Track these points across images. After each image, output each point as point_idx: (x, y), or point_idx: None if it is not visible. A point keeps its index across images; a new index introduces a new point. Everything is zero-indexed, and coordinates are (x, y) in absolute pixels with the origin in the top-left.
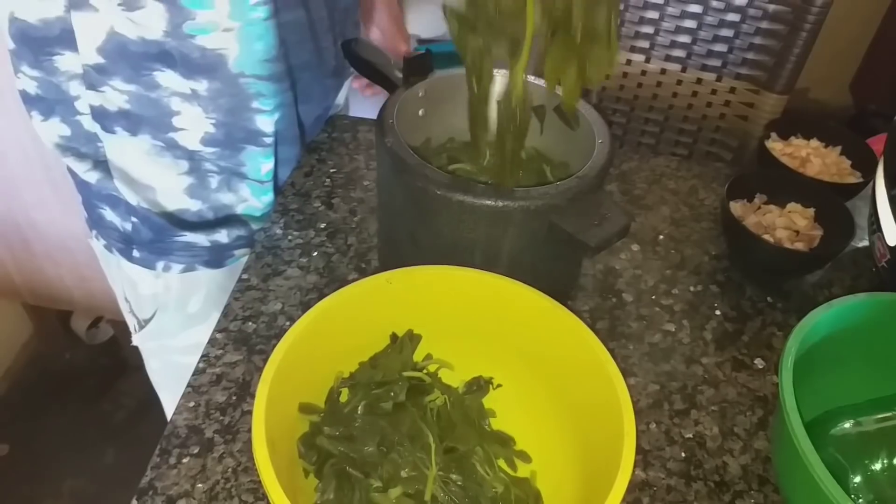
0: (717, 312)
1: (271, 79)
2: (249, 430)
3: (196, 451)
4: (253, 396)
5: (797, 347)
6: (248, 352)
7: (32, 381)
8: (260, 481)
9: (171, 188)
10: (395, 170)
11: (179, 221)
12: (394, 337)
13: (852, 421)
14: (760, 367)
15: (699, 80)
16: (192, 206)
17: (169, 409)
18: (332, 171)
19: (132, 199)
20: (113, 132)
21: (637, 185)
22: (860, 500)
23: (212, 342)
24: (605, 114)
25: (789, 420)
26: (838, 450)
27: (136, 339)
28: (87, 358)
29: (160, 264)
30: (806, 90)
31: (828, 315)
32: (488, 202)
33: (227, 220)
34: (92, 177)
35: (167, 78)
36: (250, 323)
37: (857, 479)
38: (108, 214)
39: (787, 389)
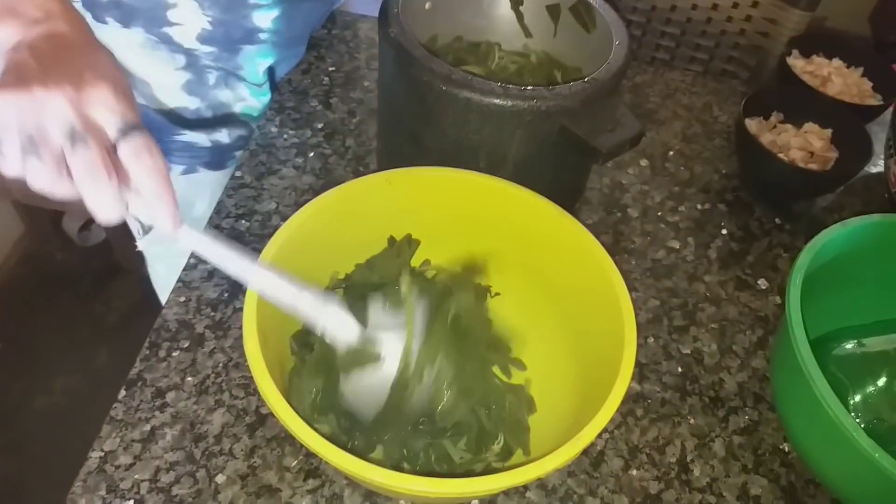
0: (724, 231)
1: None
2: (241, 327)
3: (186, 345)
4: (245, 293)
5: (808, 263)
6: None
7: (24, 281)
8: (251, 377)
9: (168, 84)
10: (398, 63)
11: (178, 119)
12: (391, 240)
13: (856, 341)
14: (763, 287)
15: None
16: (191, 103)
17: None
18: (331, 69)
19: None
20: (104, 22)
21: (650, 99)
22: (859, 419)
23: None
24: (629, 34)
25: (794, 335)
26: (840, 369)
27: (141, 244)
28: (79, 260)
29: None
30: (823, 19)
31: (841, 233)
32: (497, 101)
33: (226, 118)
34: None
35: None
36: (243, 221)
37: (857, 398)
38: None
39: (794, 305)
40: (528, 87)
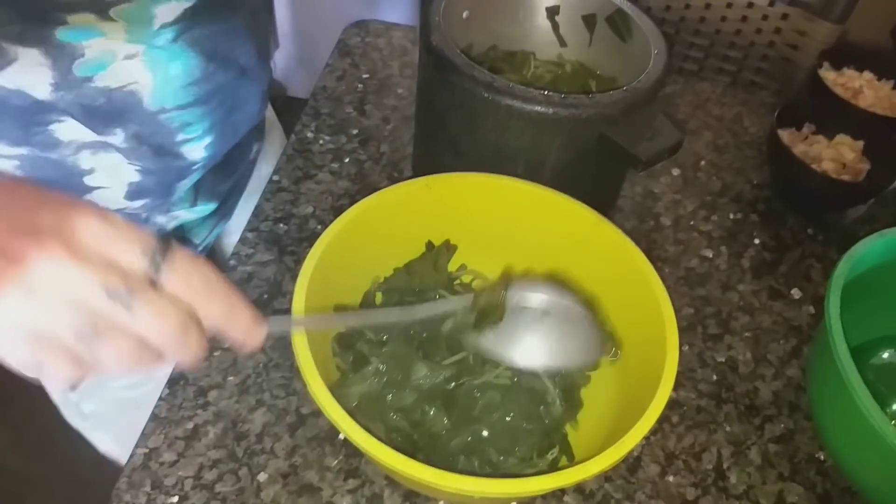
0: (756, 241)
1: (198, 102)
2: None
3: (227, 345)
4: (284, 296)
5: (847, 272)
6: (280, 252)
7: None
8: (291, 378)
9: None
10: (439, 70)
11: None
12: (429, 245)
13: (893, 350)
14: (797, 297)
15: (750, 4)
16: None
17: (110, 451)
18: (364, 76)
19: None
20: None
21: (680, 110)
22: None
23: (242, 241)
24: (666, 43)
25: (834, 342)
26: (878, 378)
27: (73, 396)
28: None
29: None
30: (846, 33)
31: (879, 244)
32: (538, 108)
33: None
34: None
35: (68, 129)
36: (281, 224)
37: (895, 407)
38: None
39: (834, 314)
40: (570, 96)
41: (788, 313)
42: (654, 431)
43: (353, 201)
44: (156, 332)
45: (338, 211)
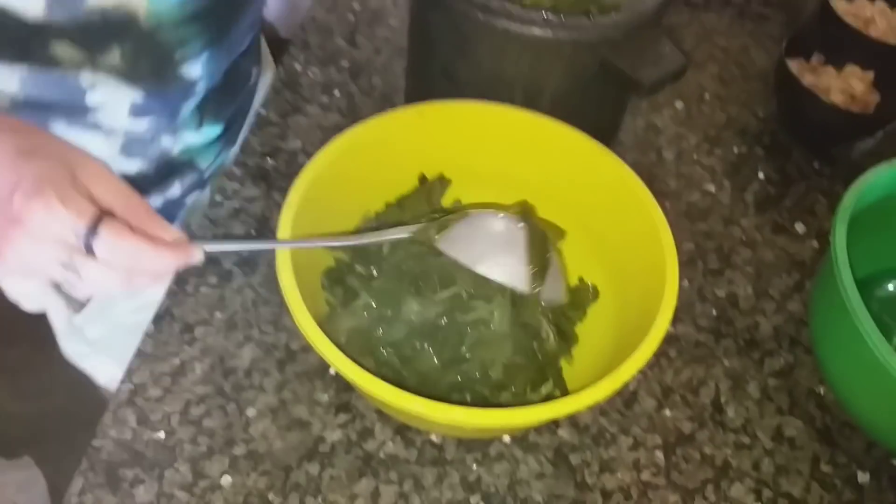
0: (760, 175)
1: (193, 18)
2: (269, 265)
3: (214, 281)
4: (273, 232)
5: (855, 203)
6: (268, 187)
7: None
8: (280, 313)
9: (104, 154)
10: None
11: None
12: (422, 178)
13: None
14: (801, 231)
15: None
16: (131, 166)
17: (104, 376)
18: (355, 6)
19: None
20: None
21: (685, 41)
22: None
23: (228, 175)
24: None
25: (839, 272)
26: (883, 310)
27: (78, 320)
28: None
29: None
30: None
31: (888, 174)
32: (537, 31)
33: (173, 170)
34: None
35: (67, 49)
36: (269, 159)
37: None
38: None
39: (840, 242)
40: (570, 17)
41: (792, 248)
42: (650, 366)
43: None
44: (104, 286)
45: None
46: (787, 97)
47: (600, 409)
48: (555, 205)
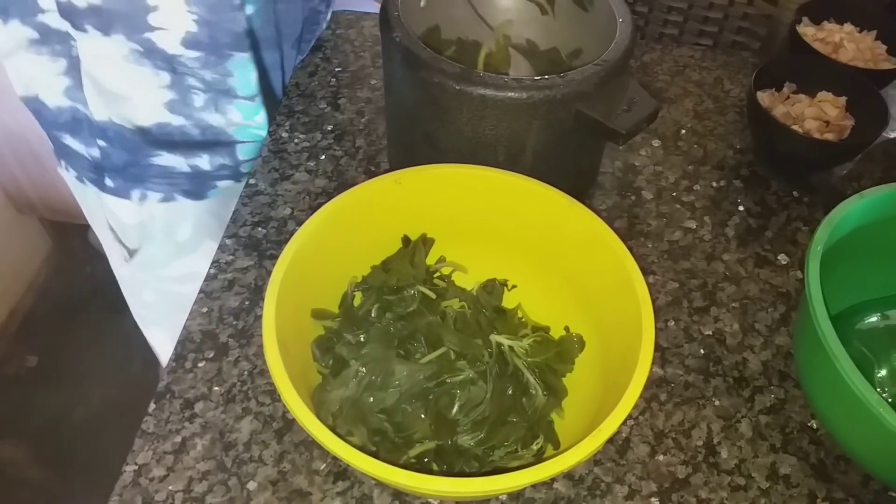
0: (741, 208)
1: None
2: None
3: (211, 355)
4: (265, 300)
5: (827, 238)
6: (259, 257)
7: (56, 295)
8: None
9: (149, 102)
10: (407, 66)
11: (156, 140)
12: (406, 240)
13: (879, 314)
14: (784, 262)
15: None
16: (174, 120)
17: (162, 349)
18: (337, 69)
19: (102, 114)
20: (84, 31)
21: (659, 78)
22: (885, 394)
23: (222, 248)
24: (631, 11)
25: (814, 311)
26: (864, 343)
27: (127, 270)
28: (107, 270)
29: (136, 193)
30: None
31: (859, 205)
32: (512, 94)
33: (210, 143)
34: (59, 86)
35: None
36: (260, 228)
37: (883, 372)
38: (70, 141)
39: (814, 280)
40: (542, 77)
41: (776, 280)
42: (641, 411)
43: (330, 199)
44: None
45: (316, 210)
46: (761, 130)
47: (594, 459)
48: (536, 257)
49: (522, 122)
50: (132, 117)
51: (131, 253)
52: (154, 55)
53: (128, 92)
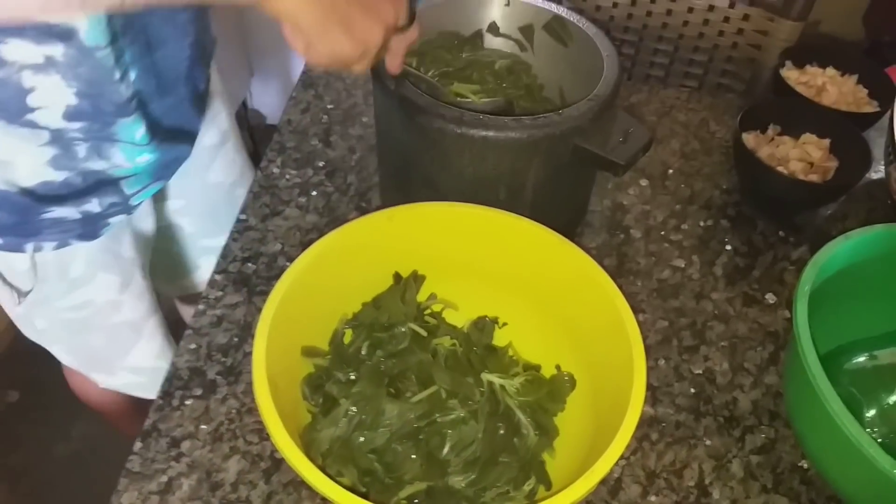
0: (728, 247)
1: (116, 37)
2: (252, 373)
3: (199, 392)
4: (254, 338)
5: (814, 279)
6: (249, 293)
7: None
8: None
9: (31, 162)
10: (404, 113)
11: (43, 197)
12: (397, 277)
13: (867, 354)
14: (772, 302)
15: (711, 8)
16: (58, 176)
17: (67, 359)
18: (329, 107)
19: None
20: None
21: (646, 118)
22: (875, 434)
23: (211, 284)
24: (613, 44)
25: (803, 352)
26: (853, 383)
27: (20, 310)
28: None
29: (29, 246)
30: (817, 23)
31: (845, 246)
32: (513, 134)
33: (97, 186)
34: None
35: (14, 49)
36: (249, 264)
37: (872, 412)
38: None
39: (802, 321)
40: (541, 116)
41: (764, 319)
42: (633, 451)
43: (321, 234)
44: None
45: (306, 246)
46: (747, 172)
47: (586, 501)
48: (526, 295)
49: (523, 160)
50: (16, 180)
51: (23, 294)
52: (34, 126)
53: (10, 157)
